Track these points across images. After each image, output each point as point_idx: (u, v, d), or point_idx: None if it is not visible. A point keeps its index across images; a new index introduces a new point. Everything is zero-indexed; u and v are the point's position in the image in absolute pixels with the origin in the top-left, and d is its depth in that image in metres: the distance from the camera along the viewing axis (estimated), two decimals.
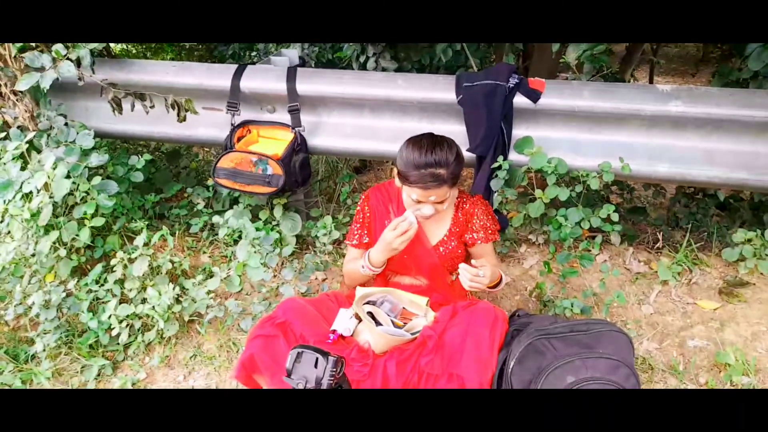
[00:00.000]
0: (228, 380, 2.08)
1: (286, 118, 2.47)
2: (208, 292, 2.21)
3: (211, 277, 2.36)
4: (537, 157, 2.23)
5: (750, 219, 2.80)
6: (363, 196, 2.01)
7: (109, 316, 2.11)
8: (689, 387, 1.86)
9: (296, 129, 2.45)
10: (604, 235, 2.33)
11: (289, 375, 1.23)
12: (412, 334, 1.75)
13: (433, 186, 1.70)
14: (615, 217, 2.15)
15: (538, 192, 2.24)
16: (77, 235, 2.23)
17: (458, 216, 1.92)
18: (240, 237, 2.60)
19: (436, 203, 1.76)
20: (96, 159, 2.35)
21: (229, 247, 2.63)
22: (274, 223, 2.59)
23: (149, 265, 2.26)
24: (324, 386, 1.20)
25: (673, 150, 2.19)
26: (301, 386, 1.20)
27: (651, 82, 5.09)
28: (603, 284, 2.12)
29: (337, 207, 2.85)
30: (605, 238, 2.30)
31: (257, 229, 2.39)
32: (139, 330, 2.19)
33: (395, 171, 1.84)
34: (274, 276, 2.40)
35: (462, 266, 1.71)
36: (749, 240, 2.09)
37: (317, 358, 1.22)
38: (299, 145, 2.46)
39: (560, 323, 1.66)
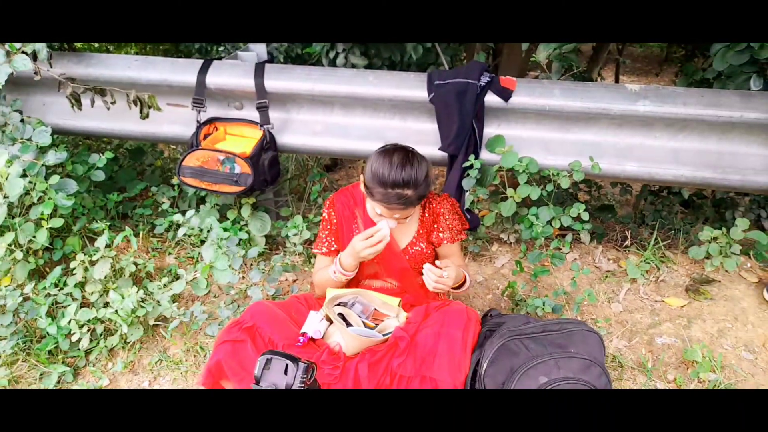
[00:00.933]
0: (195, 385, 2.01)
1: (255, 115, 2.41)
2: (173, 296, 2.14)
3: (177, 279, 2.28)
4: (508, 156, 2.22)
5: (713, 216, 2.86)
6: (328, 202, 1.95)
7: (69, 321, 2.02)
8: (658, 384, 1.88)
9: (265, 126, 2.39)
10: (574, 233, 2.35)
11: (257, 382, 1.19)
12: (384, 335, 1.73)
13: (397, 206, 1.65)
14: (585, 215, 2.17)
15: (509, 191, 2.24)
16: (34, 237, 2.13)
17: (425, 216, 1.89)
18: (207, 237, 2.53)
19: (399, 219, 1.72)
20: (53, 157, 2.26)
21: (195, 248, 2.56)
22: (242, 223, 2.53)
23: (112, 267, 2.18)
24: None
25: (641, 149, 2.22)
26: None
27: (617, 81, 5.17)
28: (574, 283, 2.13)
29: (308, 206, 2.81)
30: (575, 237, 2.32)
31: (225, 230, 2.32)
32: (101, 335, 2.10)
33: (361, 178, 1.80)
34: (242, 278, 2.34)
35: (426, 267, 1.68)
36: (715, 238, 2.13)
37: (287, 365, 1.18)
38: (268, 143, 2.40)
39: (533, 323, 1.66)
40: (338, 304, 1.84)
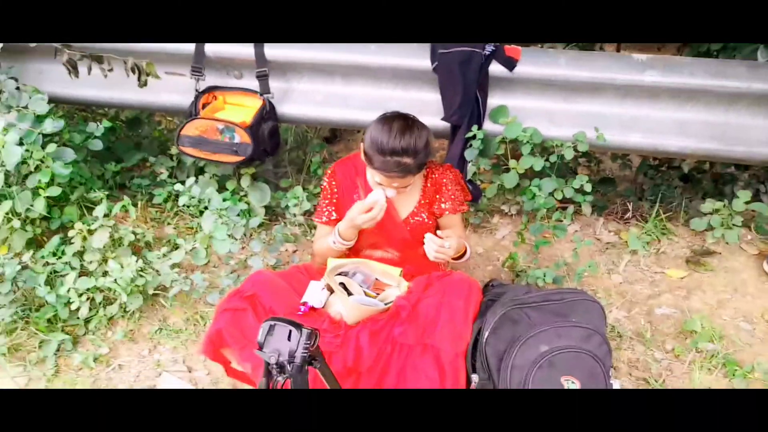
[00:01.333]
0: (195, 354, 2.02)
1: (254, 84, 2.37)
2: (173, 266, 2.13)
3: (176, 249, 2.27)
4: (512, 127, 2.20)
5: (711, 190, 2.84)
6: (329, 171, 1.93)
7: (68, 290, 2.01)
8: (656, 354, 1.89)
9: (265, 96, 2.35)
10: (576, 205, 2.33)
11: (261, 348, 1.18)
12: (385, 304, 1.72)
13: (395, 174, 1.64)
14: (588, 187, 2.15)
15: (512, 162, 2.22)
16: (32, 206, 2.11)
17: (427, 186, 1.88)
18: (207, 208, 2.51)
19: (398, 188, 1.70)
20: (50, 125, 2.22)
21: (194, 219, 2.54)
22: (241, 193, 2.51)
23: (110, 236, 2.16)
24: (297, 359, 1.16)
25: (646, 120, 2.19)
26: (273, 360, 1.16)
27: (618, 51, 5.09)
28: (576, 254, 2.13)
29: (308, 177, 2.78)
30: (576, 209, 2.31)
31: (224, 200, 2.30)
32: (100, 304, 2.10)
33: (361, 146, 1.78)
34: (242, 248, 2.34)
35: (428, 236, 1.67)
36: (717, 210, 2.12)
37: (290, 331, 1.17)
38: (268, 113, 2.36)
39: (534, 293, 1.66)
40: (339, 274, 1.84)
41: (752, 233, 2.30)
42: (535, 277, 2.03)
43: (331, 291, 1.81)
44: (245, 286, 1.74)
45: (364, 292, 1.81)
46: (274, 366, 1.18)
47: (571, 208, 2.26)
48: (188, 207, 2.56)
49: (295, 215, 2.46)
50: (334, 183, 1.91)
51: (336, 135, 3.80)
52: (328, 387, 1.33)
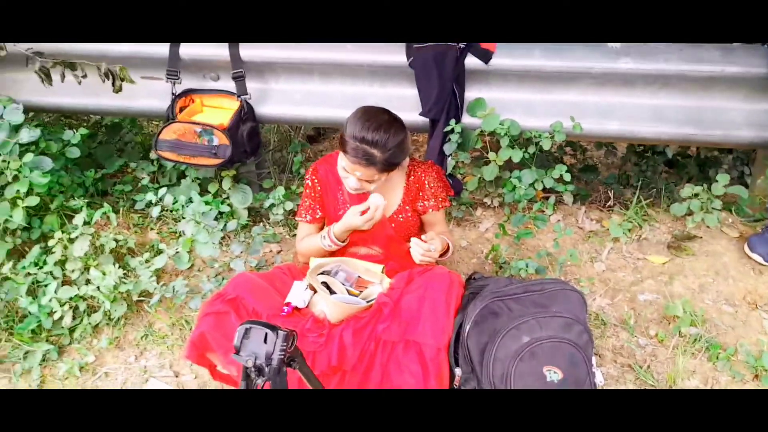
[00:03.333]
0: (181, 358, 2.01)
1: (231, 85, 2.36)
2: (156, 271, 2.13)
3: (159, 254, 2.26)
4: (489, 119, 2.20)
5: (697, 174, 2.86)
6: (311, 169, 1.93)
7: (50, 300, 2.00)
8: (640, 340, 1.91)
9: (242, 97, 2.34)
10: (557, 195, 2.34)
11: (237, 352, 1.18)
12: (368, 301, 1.73)
13: (360, 163, 1.64)
14: (567, 177, 2.16)
15: (491, 155, 2.23)
16: (10, 217, 2.10)
17: (410, 183, 1.88)
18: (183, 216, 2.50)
19: (361, 180, 1.71)
20: (27, 135, 2.21)
21: (177, 223, 2.53)
22: (223, 196, 2.50)
23: (92, 244, 2.15)
24: (274, 362, 1.16)
25: (622, 108, 2.20)
26: (250, 363, 1.16)
27: None
28: (557, 244, 2.14)
29: (291, 177, 2.78)
30: (558, 199, 2.31)
31: (206, 203, 2.29)
32: (84, 312, 2.09)
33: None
34: (225, 251, 2.33)
35: (414, 241, 1.69)
36: (696, 194, 2.13)
37: (266, 333, 1.17)
38: (246, 114, 2.36)
39: (515, 284, 1.67)
40: (322, 273, 1.84)
41: (733, 216, 2.31)
42: (517, 268, 2.04)
43: (315, 290, 1.81)
44: (227, 289, 1.73)
45: (347, 291, 1.81)
46: (252, 369, 1.18)
47: (552, 198, 2.27)
48: (170, 211, 2.55)
49: (277, 215, 2.45)
50: (316, 181, 1.90)
51: (320, 133, 3.79)
52: (310, 385, 1.33)
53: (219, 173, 2.54)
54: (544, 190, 2.23)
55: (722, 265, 2.08)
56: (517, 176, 2.21)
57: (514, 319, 1.54)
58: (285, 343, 1.17)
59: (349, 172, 1.69)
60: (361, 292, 1.82)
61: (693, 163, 2.87)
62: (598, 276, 2.14)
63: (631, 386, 1.79)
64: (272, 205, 2.45)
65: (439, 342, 1.55)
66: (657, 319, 1.96)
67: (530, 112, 2.26)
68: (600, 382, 1.55)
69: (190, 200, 2.32)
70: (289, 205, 2.44)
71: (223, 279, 2.19)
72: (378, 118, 1.67)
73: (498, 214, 2.47)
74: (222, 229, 2.11)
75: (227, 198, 2.49)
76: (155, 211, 2.13)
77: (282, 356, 1.17)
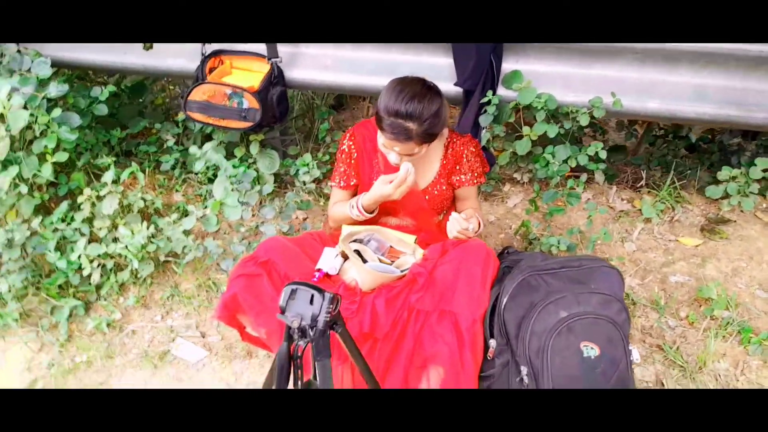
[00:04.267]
0: (208, 319, 2.02)
1: (262, 48, 2.31)
2: (185, 232, 2.12)
3: (186, 216, 2.25)
4: (526, 92, 2.15)
5: (717, 161, 2.81)
6: (348, 134, 1.89)
7: (79, 256, 2.00)
8: (670, 321, 1.89)
9: (273, 60, 2.29)
10: (588, 173, 2.31)
11: (283, 312, 1.17)
12: (401, 271, 1.71)
13: (398, 138, 1.59)
14: (603, 154, 2.12)
15: (525, 129, 2.18)
16: (39, 171, 2.08)
17: (447, 156, 1.84)
18: (215, 175, 2.48)
19: (401, 154, 1.66)
20: (55, 89, 2.17)
21: (203, 186, 2.52)
22: (250, 160, 2.47)
23: (119, 203, 2.14)
24: (320, 324, 1.15)
25: (664, 85, 2.14)
26: (296, 324, 1.15)
27: None
28: (590, 222, 2.11)
29: (316, 145, 2.74)
30: (589, 177, 2.28)
31: (234, 167, 2.27)
32: (111, 270, 2.09)
33: None
34: (253, 215, 2.31)
35: (454, 217, 1.65)
36: (734, 177, 2.09)
37: (313, 295, 1.16)
38: (276, 78, 2.31)
39: (552, 260, 1.65)
40: (354, 241, 1.82)
41: (767, 201, 2.28)
42: (549, 244, 2.02)
43: (345, 258, 1.79)
44: (259, 252, 1.72)
45: (379, 259, 1.79)
46: (296, 330, 1.17)
47: (584, 176, 2.24)
48: (197, 174, 2.53)
49: (305, 183, 2.43)
50: (353, 146, 1.87)
51: (342, 103, 3.74)
52: (347, 351, 1.33)
53: (245, 137, 2.51)
54: (573, 168, 2.19)
55: (756, 250, 2.05)
56: (551, 152, 2.17)
57: (551, 294, 1.53)
58: (331, 306, 1.16)
59: (388, 148, 1.66)
60: (392, 261, 1.80)
61: (715, 149, 2.82)
62: (629, 256, 2.12)
63: (659, 366, 1.78)
64: (298, 172, 2.42)
65: (474, 313, 1.54)
66: (688, 302, 1.94)
67: (567, 87, 2.20)
68: (636, 359, 1.54)
69: (214, 165, 2.30)
70: (316, 173, 2.42)
71: (249, 243, 2.18)
72: (411, 88, 1.60)
73: (527, 190, 2.45)
74: (259, 191, 2.08)
75: (253, 162, 2.46)
76: (197, 166, 2.11)
77: (327, 318, 1.16)
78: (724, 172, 2.12)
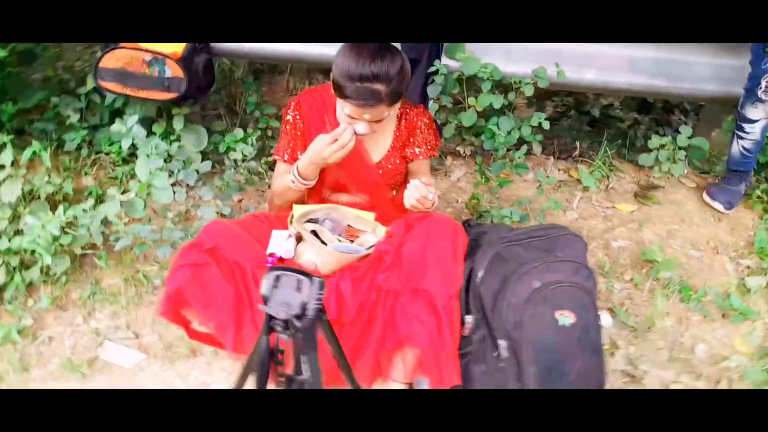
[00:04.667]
0: (141, 318, 1.80)
1: None
2: (104, 220, 1.85)
3: (101, 202, 1.98)
4: (470, 62, 2.11)
5: (619, 134, 2.96)
6: (293, 103, 1.73)
7: None
8: (615, 285, 1.96)
9: None
10: (527, 145, 2.32)
11: (265, 302, 1.03)
12: (366, 249, 1.61)
13: (368, 104, 1.48)
14: (546, 125, 2.14)
15: (470, 100, 2.15)
16: None
17: (401, 127, 1.75)
18: (132, 155, 2.21)
19: (371, 122, 1.56)
20: None
21: (117, 167, 2.23)
22: (172, 137, 2.22)
23: (21, 189, 1.82)
24: (310, 312, 1.02)
25: (600, 57, 2.20)
26: (282, 315, 1.01)
27: None
28: (541, 191, 2.14)
29: (243, 119, 2.53)
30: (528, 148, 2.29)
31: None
32: (15, 269, 1.78)
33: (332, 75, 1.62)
34: (188, 196, 2.08)
35: (414, 183, 1.56)
36: (662, 145, 2.20)
37: (300, 280, 1.03)
38: (201, 44, 2.08)
39: (516, 231, 1.63)
40: (308, 221, 1.69)
41: (687, 168, 2.43)
42: (501, 216, 2.01)
43: (300, 239, 1.66)
44: (203, 238, 1.54)
45: (338, 240, 1.68)
46: (280, 322, 1.04)
47: (524, 148, 2.24)
48: (107, 154, 2.24)
49: (235, 162, 2.23)
50: (298, 117, 1.71)
51: (256, 76, 3.51)
52: (328, 341, 1.21)
53: (163, 112, 2.25)
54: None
55: (686, 213, 2.19)
56: (495, 123, 2.15)
57: (523, 264, 1.50)
58: (321, 292, 1.05)
59: (356, 117, 1.53)
60: (351, 241, 1.69)
61: (615, 124, 2.96)
62: (572, 224, 2.17)
63: (611, 329, 1.84)
64: (228, 149, 2.22)
65: (450, 289, 1.47)
66: (630, 265, 2.03)
67: (509, 58, 2.19)
68: (607, 324, 1.57)
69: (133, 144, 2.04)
70: (248, 150, 2.22)
71: (183, 229, 1.96)
72: (368, 48, 1.48)
73: (469, 163, 2.42)
74: (196, 170, 1.86)
75: (177, 139, 2.21)
76: (125, 144, 1.84)
77: (317, 305, 1.04)
78: (654, 141, 2.22)
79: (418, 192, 1.55)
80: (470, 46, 2.16)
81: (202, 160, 2.25)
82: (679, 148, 2.20)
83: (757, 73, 1.93)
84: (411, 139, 1.76)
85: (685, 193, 2.28)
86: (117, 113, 2.33)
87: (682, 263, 2.01)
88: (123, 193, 2.07)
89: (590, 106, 2.93)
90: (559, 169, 2.44)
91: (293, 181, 1.65)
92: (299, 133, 1.73)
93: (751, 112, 2.00)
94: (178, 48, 2.02)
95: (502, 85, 2.17)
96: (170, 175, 1.87)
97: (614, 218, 2.19)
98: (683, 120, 2.93)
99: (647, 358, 1.77)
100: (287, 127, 1.73)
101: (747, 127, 2.05)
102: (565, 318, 1.45)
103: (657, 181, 2.32)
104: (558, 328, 1.45)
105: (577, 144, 2.50)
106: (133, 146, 2.12)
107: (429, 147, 1.78)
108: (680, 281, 1.93)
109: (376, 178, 1.75)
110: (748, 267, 2.02)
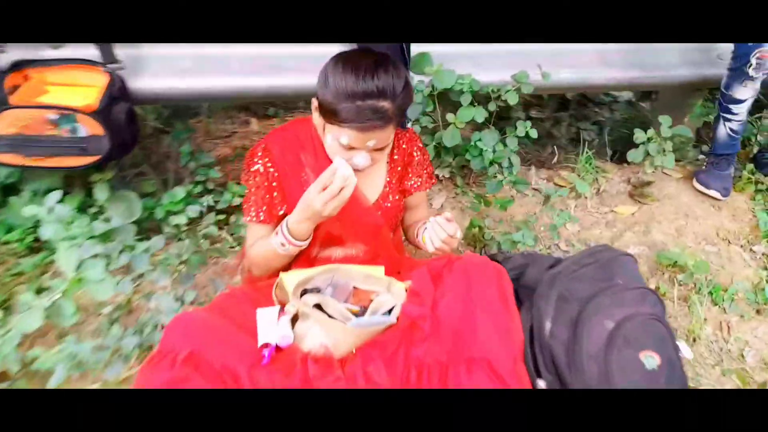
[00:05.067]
0: None
1: (90, 53, 1.64)
2: (24, 337, 1.38)
3: (6, 310, 1.50)
4: (443, 75, 1.86)
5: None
6: (259, 151, 1.37)
7: None
8: None
9: (110, 67, 1.64)
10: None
11: None
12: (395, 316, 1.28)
13: (375, 126, 1.19)
14: (533, 133, 1.93)
15: (449, 116, 1.89)
16: None
17: (394, 158, 1.46)
18: (36, 241, 1.74)
19: (374, 150, 1.26)
20: None
21: (21, 259, 1.73)
22: (92, 210, 1.77)
23: None
24: None
25: (570, 54, 2.04)
26: None
27: None
28: (551, 207, 1.91)
29: (176, 174, 2.10)
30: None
31: (69, 222, 1.56)
32: None
33: (314, 103, 1.29)
34: (137, 285, 1.63)
35: (438, 221, 1.28)
36: (650, 139, 2.07)
37: None
38: (119, 90, 1.67)
39: (564, 261, 1.38)
40: (306, 292, 1.33)
41: None
42: (512, 241, 1.76)
43: (296, 317, 1.30)
44: (173, 343, 1.15)
45: (348, 309, 1.33)
46: None
47: (504, 161, 2.02)
48: (7, 243, 1.75)
49: (179, 227, 1.81)
50: (269, 164, 1.35)
51: (170, 121, 3.06)
52: None
53: (77, 180, 1.79)
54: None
55: (687, 207, 2.06)
56: (478, 138, 1.91)
57: (586, 303, 1.25)
58: None
59: (357, 146, 1.21)
60: (363, 307, 1.35)
61: (539, 124, 2.87)
62: (576, 236, 1.97)
63: None
64: (168, 214, 1.80)
65: (511, 351, 1.18)
66: (649, 272, 1.85)
67: (478, 65, 1.97)
68: (688, 355, 1.36)
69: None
70: (194, 210, 1.82)
71: (126, 329, 1.51)
72: (365, 61, 1.19)
73: (447, 187, 2.16)
74: (146, 250, 1.43)
75: (99, 213, 1.76)
76: (47, 231, 1.37)
77: None
78: (639, 135, 2.08)
79: (444, 231, 1.27)
80: (437, 58, 1.92)
81: (140, 233, 1.81)
82: (666, 140, 2.08)
83: (743, 50, 1.84)
84: (409, 170, 1.47)
85: (675, 186, 2.17)
86: (11, 189, 1.83)
87: (708, 260, 1.86)
88: (38, 293, 1.58)
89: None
90: (542, 179, 2.25)
91: (283, 244, 1.30)
92: (274, 183, 1.37)
93: (740, 91, 1.91)
94: (90, 99, 1.59)
95: (479, 96, 1.94)
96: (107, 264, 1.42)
97: (617, 223, 2.02)
98: (599, 112, 2.90)
99: (702, 377, 1.58)
100: (257, 179, 1.37)
101: (734, 108, 1.96)
102: (651, 360, 1.21)
103: (647, 177, 2.18)
104: (645, 373, 1.20)
105: (554, 149, 2.33)
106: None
107: (427, 176, 1.51)
108: (708, 281, 1.78)
109: (376, 222, 1.44)
110: (764, 254, 1.91)
